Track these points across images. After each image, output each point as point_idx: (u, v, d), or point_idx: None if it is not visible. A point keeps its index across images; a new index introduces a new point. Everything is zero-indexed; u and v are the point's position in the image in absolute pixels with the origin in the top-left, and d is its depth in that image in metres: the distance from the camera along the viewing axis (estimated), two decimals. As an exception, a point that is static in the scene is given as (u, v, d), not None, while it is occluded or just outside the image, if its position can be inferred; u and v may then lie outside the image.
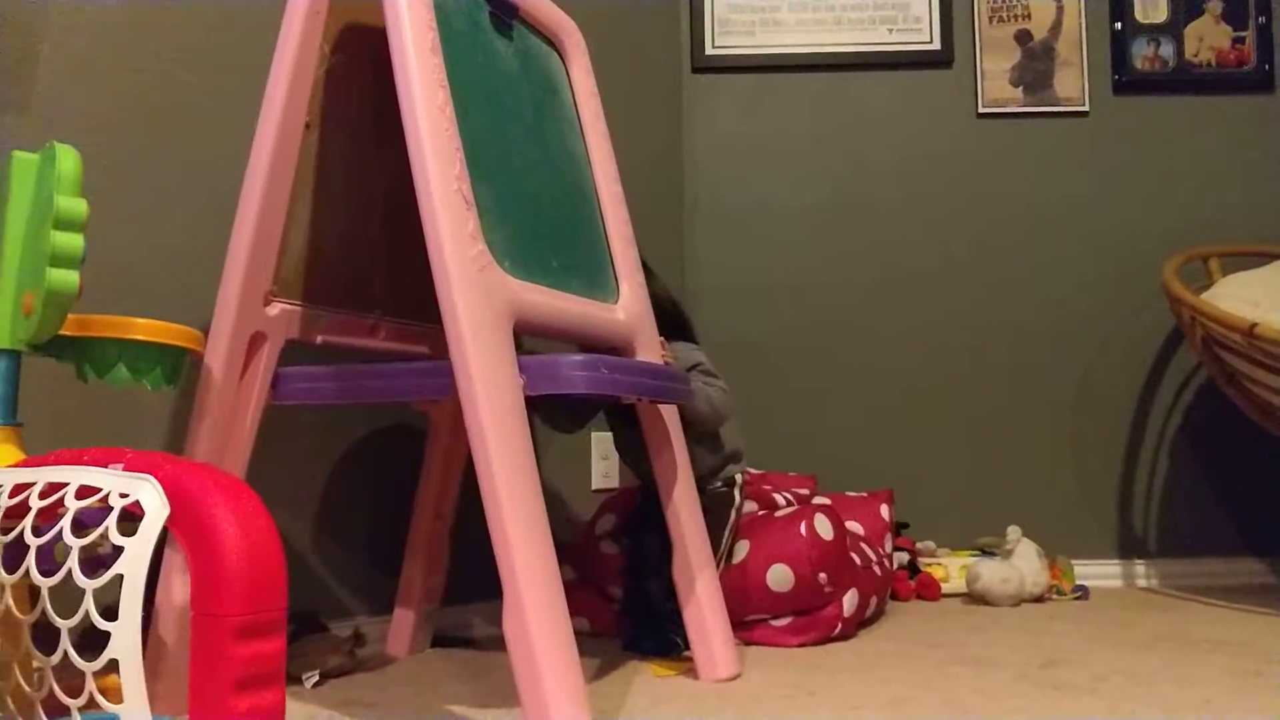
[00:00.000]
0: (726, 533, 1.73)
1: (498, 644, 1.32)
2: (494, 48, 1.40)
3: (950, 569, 2.28)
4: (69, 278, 0.97)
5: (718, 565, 1.68)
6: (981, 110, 2.57)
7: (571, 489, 2.16)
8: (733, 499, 1.76)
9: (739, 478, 1.80)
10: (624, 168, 1.60)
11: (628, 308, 1.49)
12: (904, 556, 2.29)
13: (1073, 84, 2.57)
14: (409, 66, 1.16)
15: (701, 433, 1.70)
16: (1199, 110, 2.56)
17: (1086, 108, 2.56)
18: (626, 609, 1.77)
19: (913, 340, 2.55)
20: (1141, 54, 2.57)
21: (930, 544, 2.36)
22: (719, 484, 1.77)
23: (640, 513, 1.79)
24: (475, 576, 1.58)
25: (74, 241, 0.97)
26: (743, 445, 1.82)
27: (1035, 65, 2.58)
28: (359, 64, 1.40)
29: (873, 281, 2.56)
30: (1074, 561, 2.31)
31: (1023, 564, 2.18)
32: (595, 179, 1.55)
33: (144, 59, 1.46)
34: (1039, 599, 2.19)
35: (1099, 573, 2.40)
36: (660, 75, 2.56)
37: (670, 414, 1.51)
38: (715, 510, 1.70)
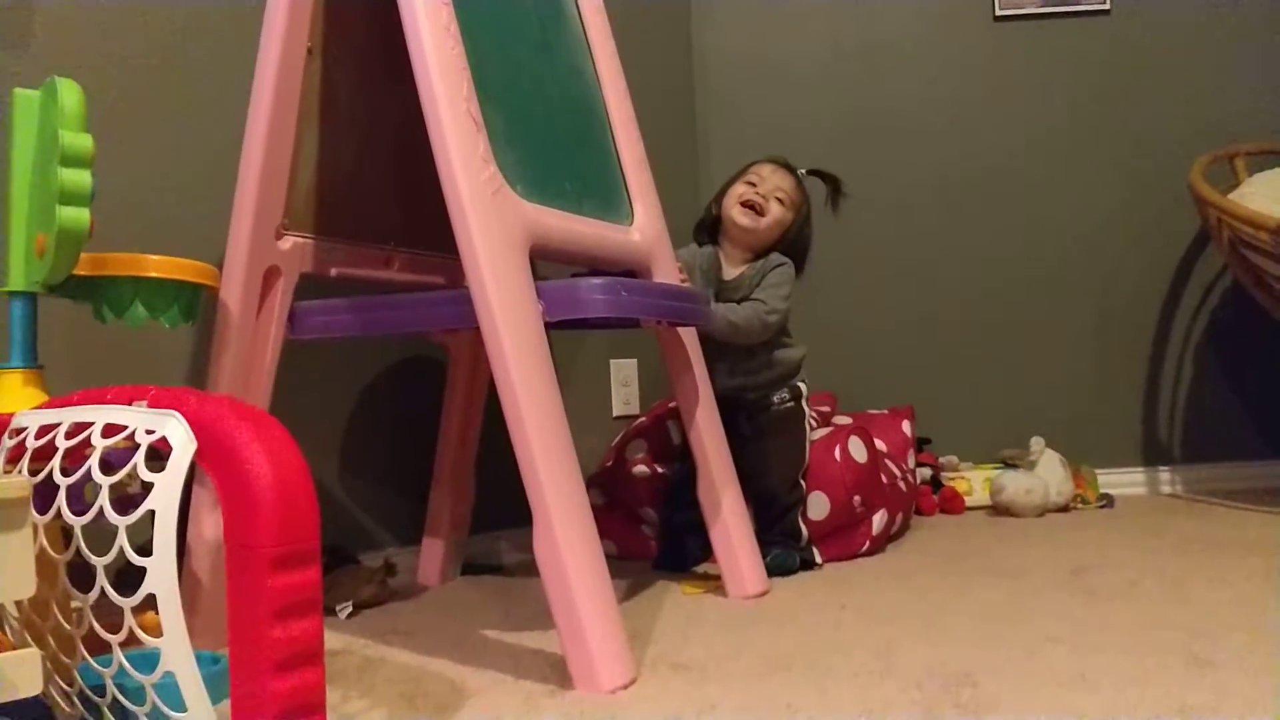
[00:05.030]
0: (806, 447, 1.73)
1: (527, 570, 1.33)
2: (497, -36, 1.35)
3: (974, 482, 2.28)
4: (80, 215, 0.95)
5: (803, 480, 1.70)
6: (999, 13, 2.50)
7: (593, 416, 2.16)
8: (801, 412, 1.75)
9: (803, 388, 1.77)
10: (634, 90, 1.56)
11: (643, 229, 1.46)
12: (927, 471, 2.29)
13: (1093, -18, 2.48)
14: (411, -15, 1.12)
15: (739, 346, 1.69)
16: (1223, 4, 2.47)
17: (1107, 6, 2.49)
18: (664, 529, 1.78)
19: (931, 252, 2.52)
20: (1164, -53, 2.48)
21: (953, 458, 2.36)
22: (786, 397, 1.75)
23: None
24: (502, 504, 1.58)
25: (82, 178, 0.95)
26: (801, 353, 1.78)
27: (1054, -36, 2.49)
28: (360, -13, 1.36)
29: (891, 195, 2.51)
30: (1098, 470, 2.31)
31: (1047, 474, 2.18)
32: (605, 99, 1.51)
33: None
34: (1064, 509, 2.19)
35: (1124, 481, 2.40)
36: (668, -9, 2.49)
37: (690, 336, 1.50)
38: (787, 427, 1.72)
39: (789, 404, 1.74)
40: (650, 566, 1.72)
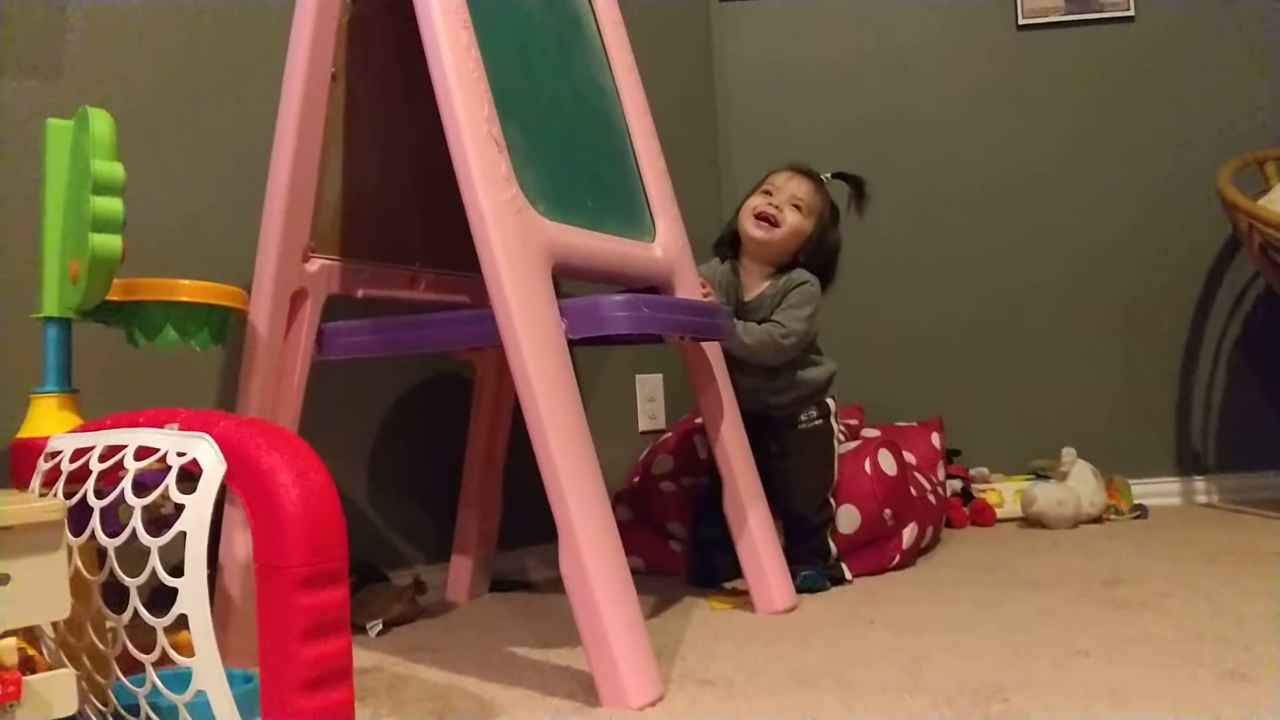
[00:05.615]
0: (835, 465, 1.72)
1: (555, 586, 1.33)
2: (516, -16, 1.37)
3: (1005, 494, 2.26)
4: (112, 242, 0.97)
5: (832, 497, 1.69)
6: (1022, 22, 2.49)
7: (619, 432, 2.16)
8: (829, 429, 1.73)
9: (831, 404, 1.75)
10: (654, 102, 1.56)
11: (665, 245, 1.47)
12: (957, 484, 2.27)
13: (1116, -12, 2.47)
14: (431, 7, 1.14)
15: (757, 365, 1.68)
16: (1250, 7, 2.45)
17: (1132, 12, 2.47)
18: (693, 545, 1.78)
19: (958, 262, 2.50)
20: (1188, -49, 2.46)
21: (983, 470, 2.34)
22: (814, 415, 1.73)
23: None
24: (529, 520, 1.59)
25: (114, 205, 0.97)
26: (829, 371, 1.75)
27: (1076, -29, 2.48)
28: (382, 12, 1.38)
29: (915, 205, 2.50)
30: (1131, 480, 2.28)
31: (1079, 485, 2.15)
32: (625, 112, 1.52)
33: (171, 18, 1.45)
34: (1097, 520, 2.16)
35: (1157, 491, 2.37)
36: (687, 3, 2.50)
37: (713, 350, 1.50)
38: (814, 446, 1.71)
39: (816, 421, 1.73)
40: (678, 581, 1.72)
